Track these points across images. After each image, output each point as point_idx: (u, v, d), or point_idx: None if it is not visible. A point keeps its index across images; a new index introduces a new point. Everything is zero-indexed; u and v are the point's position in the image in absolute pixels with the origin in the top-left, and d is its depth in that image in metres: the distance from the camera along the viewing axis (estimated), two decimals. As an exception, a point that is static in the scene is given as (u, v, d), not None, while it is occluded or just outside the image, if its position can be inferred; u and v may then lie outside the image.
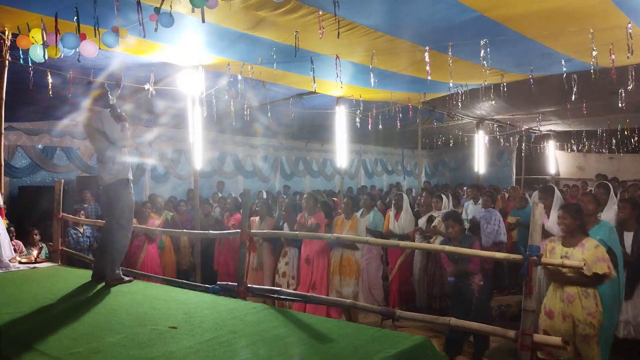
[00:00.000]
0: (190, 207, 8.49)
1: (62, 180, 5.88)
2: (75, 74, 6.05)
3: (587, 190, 8.66)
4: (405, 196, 7.12)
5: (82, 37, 4.67)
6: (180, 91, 6.98)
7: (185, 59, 6.30)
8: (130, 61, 6.18)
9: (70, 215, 6.24)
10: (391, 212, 7.09)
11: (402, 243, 4.79)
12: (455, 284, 4.84)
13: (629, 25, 4.87)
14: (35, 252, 5.89)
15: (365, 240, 4.46)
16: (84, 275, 4.39)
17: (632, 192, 7.85)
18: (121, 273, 4.34)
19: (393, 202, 7.17)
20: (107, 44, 4.68)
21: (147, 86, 6.57)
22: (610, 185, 5.55)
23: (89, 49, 4.82)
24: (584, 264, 3.04)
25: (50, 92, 5.90)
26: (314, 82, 6.12)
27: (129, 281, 4.31)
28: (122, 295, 3.90)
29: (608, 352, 4.34)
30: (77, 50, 4.72)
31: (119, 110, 4.29)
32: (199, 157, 7.03)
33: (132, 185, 4.31)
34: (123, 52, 5.67)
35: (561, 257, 3.78)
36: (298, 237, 5.74)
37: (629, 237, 4.79)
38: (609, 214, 5.07)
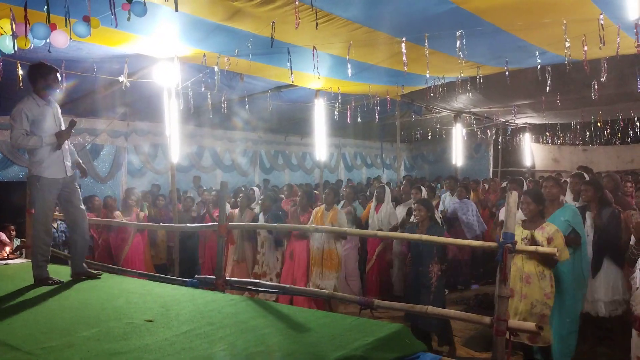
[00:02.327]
0: (168, 201, 8.40)
1: (34, 175, 5.72)
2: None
3: (562, 181, 8.92)
4: (387, 188, 7.10)
5: (53, 27, 4.54)
6: (156, 84, 6.87)
7: (160, 51, 6.20)
8: (103, 52, 6.05)
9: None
10: (372, 204, 7.11)
11: (380, 233, 4.82)
12: (415, 273, 5.02)
13: (601, 16, 4.96)
14: (7, 249, 5.76)
15: (343, 231, 4.47)
16: (57, 271, 4.29)
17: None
18: (47, 274, 4.02)
19: (375, 194, 7.18)
20: (78, 34, 4.57)
21: (121, 78, 6.44)
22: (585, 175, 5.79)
23: (59, 39, 4.69)
24: (557, 251, 3.11)
25: (22, 84, 5.75)
26: (292, 74, 6.09)
27: (54, 283, 3.96)
28: (97, 290, 3.84)
29: (576, 330, 4.50)
30: (48, 40, 4.60)
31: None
32: (176, 151, 6.94)
33: (44, 184, 3.97)
34: (96, 43, 5.55)
35: (522, 239, 4.05)
36: (276, 228, 5.73)
37: (590, 218, 4.98)
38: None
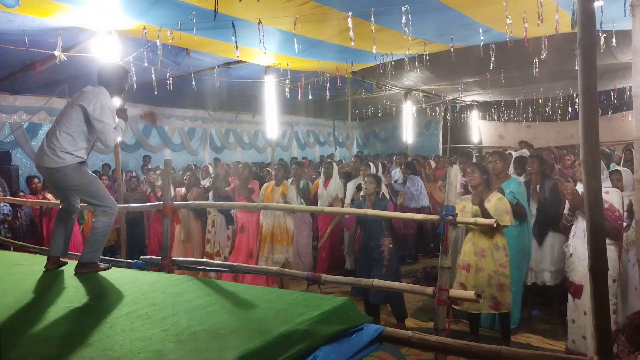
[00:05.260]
0: (111, 182, 8.12)
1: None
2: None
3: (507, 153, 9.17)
4: (334, 164, 7.38)
5: (-24, -4, 4.24)
6: (94, 58, 6.53)
7: (97, 23, 5.88)
8: (37, 25, 5.70)
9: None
10: (320, 180, 7.24)
11: (327, 209, 4.85)
12: (366, 248, 5.07)
13: (540, -7, 5.09)
14: None
15: (290, 208, 4.46)
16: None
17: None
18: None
19: (323, 170, 7.44)
20: (5, 4, 4.29)
21: (56, 52, 6.08)
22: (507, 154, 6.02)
23: (-15, 9, 4.39)
24: (495, 222, 3.21)
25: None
26: (237, 49, 5.95)
27: (105, 268, 3.71)
28: (33, 275, 3.66)
29: (520, 300, 4.71)
30: (-29, 11, 4.29)
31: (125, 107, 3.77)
32: (120, 129, 6.67)
33: (85, 166, 3.69)
34: (27, 14, 5.21)
35: (472, 215, 4.12)
36: (223, 207, 5.67)
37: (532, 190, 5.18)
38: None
